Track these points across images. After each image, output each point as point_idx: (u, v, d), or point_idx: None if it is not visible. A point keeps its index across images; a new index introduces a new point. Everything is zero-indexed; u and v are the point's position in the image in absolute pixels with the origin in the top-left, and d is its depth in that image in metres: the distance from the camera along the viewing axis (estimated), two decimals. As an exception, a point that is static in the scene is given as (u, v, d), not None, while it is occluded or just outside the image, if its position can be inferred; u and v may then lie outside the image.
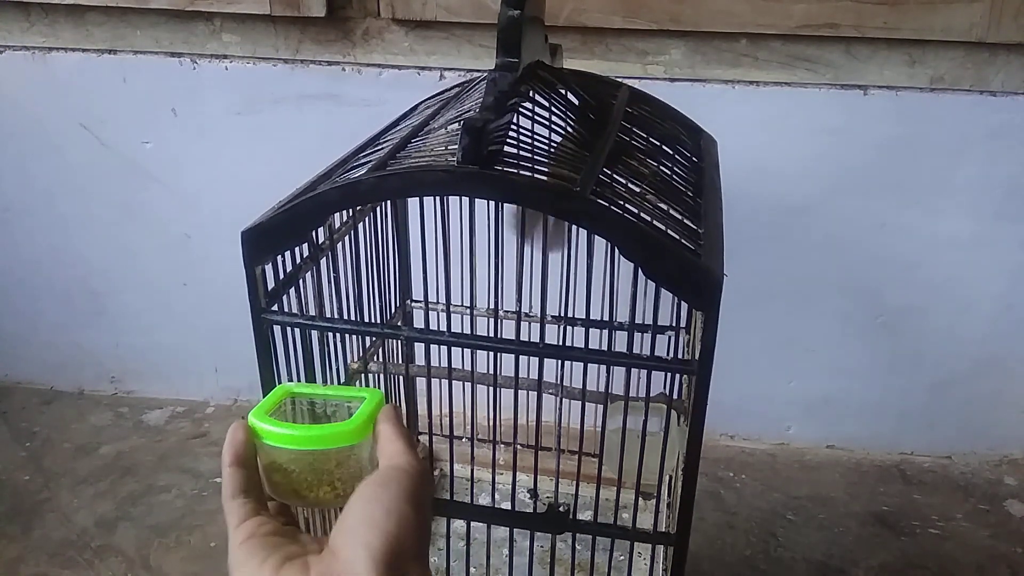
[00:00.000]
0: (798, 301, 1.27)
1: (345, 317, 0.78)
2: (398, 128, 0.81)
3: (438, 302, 0.95)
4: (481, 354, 0.71)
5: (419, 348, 1.02)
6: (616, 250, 0.56)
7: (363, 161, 0.70)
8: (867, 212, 1.20)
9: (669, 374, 0.68)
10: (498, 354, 0.67)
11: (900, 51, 1.11)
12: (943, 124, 1.14)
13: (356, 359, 0.90)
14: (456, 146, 0.57)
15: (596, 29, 1.13)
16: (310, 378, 0.72)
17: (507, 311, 0.93)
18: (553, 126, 0.69)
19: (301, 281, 0.70)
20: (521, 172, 0.58)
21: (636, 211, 0.58)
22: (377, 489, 0.46)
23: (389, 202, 0.93)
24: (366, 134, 0.81)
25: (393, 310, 1.00)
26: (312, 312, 0.71)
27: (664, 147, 0.77)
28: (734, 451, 1.37)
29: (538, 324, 0.68)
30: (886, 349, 1.30)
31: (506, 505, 1.09)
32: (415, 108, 0.91)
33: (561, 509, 0.72)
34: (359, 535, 0.43)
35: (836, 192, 1.19)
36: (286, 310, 0.69)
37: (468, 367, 0.79)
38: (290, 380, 0.72)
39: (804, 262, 1.25)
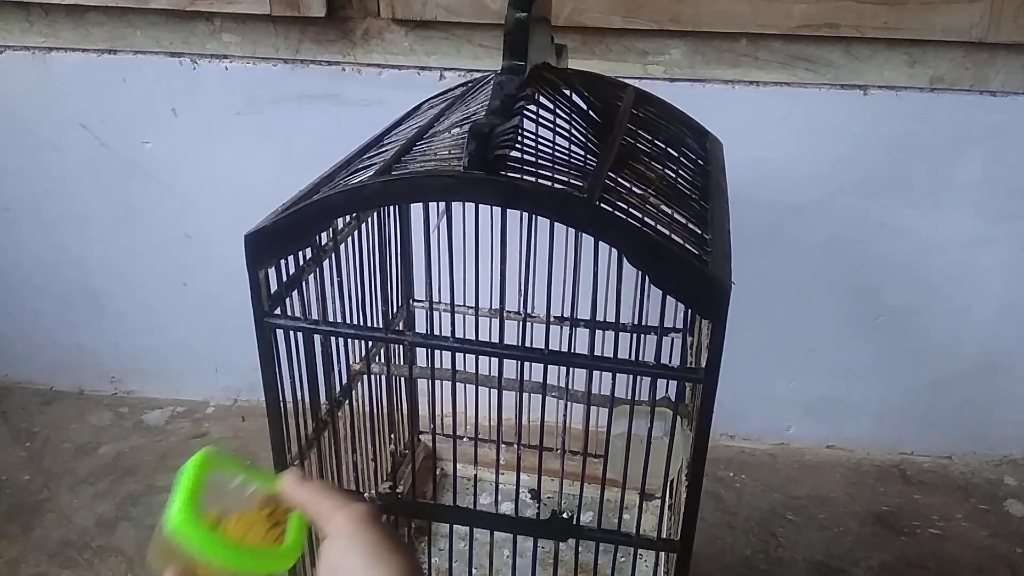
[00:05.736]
0: (798, 301, 1.28)
1: (348, 319, 0.78)
2: (402, 129, 0.81)
3: (440, 302, 0.95)
4: (484, 357, 0.71)
5: (421, 350, 1.02)
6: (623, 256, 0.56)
7: (368, 164, 0.70)
8: (867, 212, 1.20)
9: (673, 379, 0.68)
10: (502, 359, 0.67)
11: (900, 51, 1.11)
12: (943, 124, 1.14)
13: (358, 361, 0.90)
14: (462, 150, 0.57)
15: (596, 29, 1.13)
16: (312, 380, 0.72)
17: (511, 312, 0.93)
18: (559, 130, 0.69)
19: (304, 284, 0.70)
20: (527, 178, 0.58)
21: (642, 217, 0.58)
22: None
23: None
24: (366, 134, 0.81)
25: (395, 310, 1.00)
26: (315, 315, 0.71)
27: (670, 150, 0.76)
28: (734, 451, 1.38)
29: (542, 325, 0.68)
30: (886, 349, 1.30)
31: (508, 505, 1.09)
32: (419, 108, 0.90)
33: (564, 515, 0.72)
34: None
35: (836, 192, 1.19)
36: (289, 313, 0.69)
37: (471, 369, 0.79)
38: (292, 383, 0.72)
39: (804, 262, 1.25)
